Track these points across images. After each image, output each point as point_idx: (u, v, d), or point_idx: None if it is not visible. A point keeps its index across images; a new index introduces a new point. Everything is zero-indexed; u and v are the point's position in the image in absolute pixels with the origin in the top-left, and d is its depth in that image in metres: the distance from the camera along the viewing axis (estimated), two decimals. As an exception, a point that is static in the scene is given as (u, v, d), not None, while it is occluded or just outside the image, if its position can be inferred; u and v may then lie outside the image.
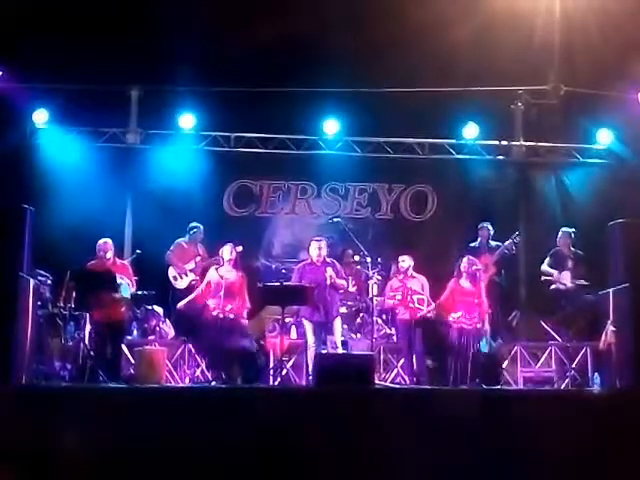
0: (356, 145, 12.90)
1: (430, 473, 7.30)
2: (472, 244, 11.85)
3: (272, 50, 11.63)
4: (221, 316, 9.88)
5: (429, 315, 10.79)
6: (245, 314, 10.10)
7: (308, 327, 10.27)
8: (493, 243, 11.86)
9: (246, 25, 11.48)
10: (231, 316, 9.92)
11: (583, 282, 11.38)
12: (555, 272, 11.57)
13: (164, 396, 8.17)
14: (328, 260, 10.41)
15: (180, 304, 10.41)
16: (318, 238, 10.63)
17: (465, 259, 10.57)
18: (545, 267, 11.69)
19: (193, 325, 10.34)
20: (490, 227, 11.90)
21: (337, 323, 10.35)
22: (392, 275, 11.35)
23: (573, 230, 11.69)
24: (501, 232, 11.99)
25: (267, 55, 11.74)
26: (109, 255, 10.27)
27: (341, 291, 10.59)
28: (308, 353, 10.20)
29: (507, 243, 11.76)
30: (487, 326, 10.32)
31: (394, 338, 11.22)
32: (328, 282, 10.18)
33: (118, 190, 12.27)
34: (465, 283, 10.42)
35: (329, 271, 10.22)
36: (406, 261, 11.03)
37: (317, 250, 10.33)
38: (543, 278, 11.69)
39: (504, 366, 10.94)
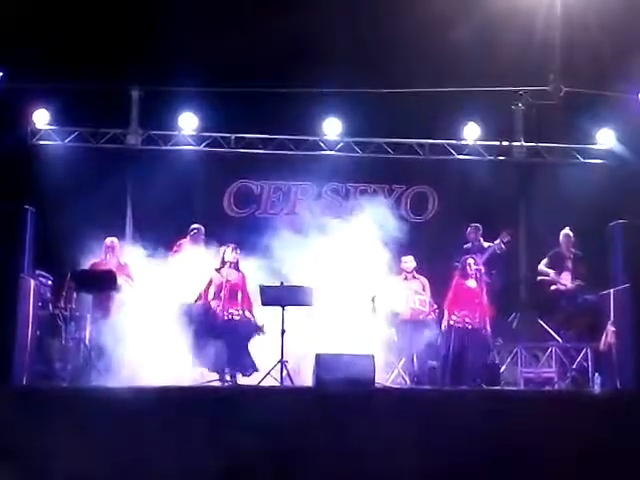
0: (357, 146, 12.90)
1: (430, 473, 7.31)
2: (465, 245, 11.86)
3: (273, 50, 11.64)
4: (225, 317, 9.90)
5: (431, 316, 10.84)
6: (253, 311, 10.09)
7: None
8: (485, 244, 11.86)
9: (247, 25, 11.50)
10: (236, 317, 9.95)
11: (582, 282, 11.40)
12: (552, 272, 11.59)
13: (165, 396, 8.16)
14: None
15: (184, 305, 10.41)
16: None
17: (471, 260, 10.64)
18: (541, 267, 11.71)
19: (196, 326, 10.33)
20: (479, 227, 11.90)
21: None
22: (393, 276, 11.34)
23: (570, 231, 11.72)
24: (501, 233, 11.98)
25: (268, 55, 11.75)
26: (115, 254, 10.27)
27: None
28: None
29: (496, 243, 11.76)
30: (488, 327, 10.39)
31: (395, 338, 11.21)
32: None
33: (119, 191, 12.27)
34: (472, 283, 10.53)
35: None
36: (409, 262, 11.05)
37: None
38: (539, 278, 11.72)
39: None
